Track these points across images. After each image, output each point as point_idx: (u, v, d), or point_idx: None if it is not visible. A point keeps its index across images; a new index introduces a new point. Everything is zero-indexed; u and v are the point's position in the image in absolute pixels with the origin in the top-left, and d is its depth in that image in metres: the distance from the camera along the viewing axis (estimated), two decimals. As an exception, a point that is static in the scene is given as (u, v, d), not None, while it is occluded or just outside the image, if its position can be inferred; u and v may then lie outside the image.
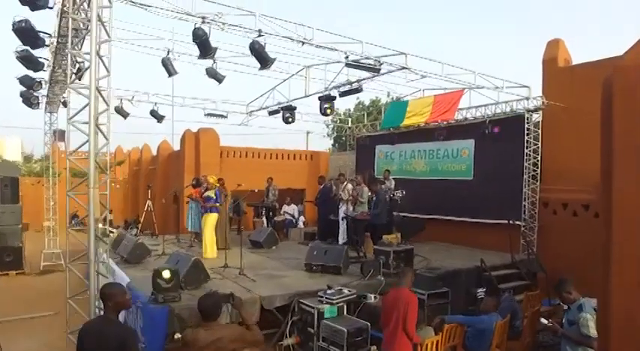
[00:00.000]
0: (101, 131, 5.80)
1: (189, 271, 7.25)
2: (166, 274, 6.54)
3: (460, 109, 12.72)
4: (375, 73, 9.08)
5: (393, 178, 13.70)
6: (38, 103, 12.50)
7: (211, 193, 10.19)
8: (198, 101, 14.55)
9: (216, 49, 7.50)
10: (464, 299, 8.44)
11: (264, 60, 7.59)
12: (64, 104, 12.28)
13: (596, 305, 7.54)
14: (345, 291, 7.17)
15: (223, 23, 6.92)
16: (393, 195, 12.88)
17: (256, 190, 12.57)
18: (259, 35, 7.30)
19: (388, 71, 9.45)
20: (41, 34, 6.97)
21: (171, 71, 10.24)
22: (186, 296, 6.85)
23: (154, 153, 21.44)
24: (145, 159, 22.85)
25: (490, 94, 11.65)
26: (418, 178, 14.03)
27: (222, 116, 14.96)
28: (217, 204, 10.13)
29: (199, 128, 16.56)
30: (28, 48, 7.97)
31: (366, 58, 8.69)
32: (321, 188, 13.42)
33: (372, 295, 7.67)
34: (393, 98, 14.70)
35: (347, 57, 8.26)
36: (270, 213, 14.93)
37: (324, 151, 21.25)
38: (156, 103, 13.74)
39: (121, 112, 13.37)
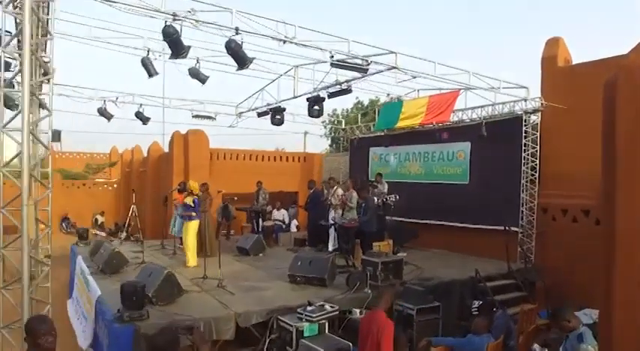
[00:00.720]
0: (39, 140, 5.28)
1: (161, 285, 6.78)
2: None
3: (456, 110, 12.24)
4: (363, 74, 8.59)
5: (387, 182, 13.22)
6: (17, 104, 12.00)
7: (189, 201, 9.69)
8: (186, 102, 14.08)
9: (189, 47, 7.02)
10: (457, 313, 7.95)
11: (241, 60, 7.11)
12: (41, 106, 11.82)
13: (597, 317, 7.07)
14: (327, 307, 6.70)
15: (197, 21, 6.45)
16: (386, 199, 12.41)
17: (235, 199, 12.08)
18: (236, 33, 6.82)
19: (377, 71, 8.98)
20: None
21: (151, 72, 9.75)
22: (156, 313, 6.39)
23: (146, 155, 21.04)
24: (137, 160, 22.41)
25: (487, 95, 11.17)
26: (413, 182, 13.55)
27: (210, 118, 14.48)
28: (193, 213, 9.63)
29: (188, 130, 16.11)
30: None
31: (354, 58, 8.21)
32: (310, 193, 12.95)
33: (358, 310, 7.22)
34: (393, 99, 14.21)
35: (332, 56, 7.78)
36: (261, 218, 14.48)
37: (318, 153, 20.75)
38: (141, 105, 13.25)
39: (104, 113, 12.89)
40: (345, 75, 10.14)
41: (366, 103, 31.08)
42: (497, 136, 11.10)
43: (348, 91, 10.26)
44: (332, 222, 11.02)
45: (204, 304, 6.97)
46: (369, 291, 7.63)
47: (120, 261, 9.07)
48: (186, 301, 7.04)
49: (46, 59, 7.33)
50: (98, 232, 18.35)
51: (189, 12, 6.30)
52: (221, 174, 16.35)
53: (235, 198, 11.78)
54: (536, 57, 11.03)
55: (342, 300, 7.37)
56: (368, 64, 8.19)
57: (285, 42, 7.32)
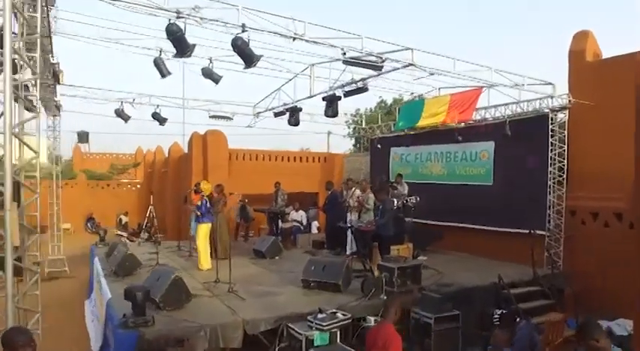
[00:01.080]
0: (23, 142, 5.13)
1: (168, 289, 6.62)
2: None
3: (478, 108, 11.78)
4: (378, 71, 8.25)
5: (408, 183, 12.85)
6: (36, 106, 12.07)
7: (199, 202, 9.55)
8: (204, 103, 13.95)
9: (194, 46, 6.83)
10: (477, 322, 7.54)
11: (248, 58, 6.89)
12: (57, 107, 11.89)
13: (632, 328, 6.59)
14: (339, 315, 6.41)
15: (201, 18, 6.25)
16: (407, 201, 12.05)
17: (246, 200, 11.87)
18: (242, 31, 6.60)
19: (393, 69, 8.62)
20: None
21: (164, 72, 9.59)
22: (163, 319, 6.22)
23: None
24: (158, 161, 22.54)
25: (511, 93, 10.67)
26: (434, 183, 13.13)
27: (227, 118, 14.33)
28: (198, 213, 9.47)
29: (207, 130, 16.02)
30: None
31: (367, 55, 7.89)
32: (329, 194, 12.68)
33: (373, 318, 6.90)
34: (415, 97, 13.81)
35: (344, 53, 7.47)
36: (280, 219, 14.27)
37: (339, 154, 20.43)
38: (158, 106, 13.19)
39: (121, 115, 12.87)
40: (360, 73, 9.81)
41: (389, 102, 30.62)
42: (522, 136, 10.61)
43: (364, 89, 9.93)
44: (349, 224, 10.71)
45: (212, 310, 6.78)
46: (385, 297, 7.31)
47: (133, 263, 8.98)
48: (194, 306, 6.86)
49: (53, 60, 7.25)
50: (120, 233, 18.44)
51: (194, 9, 6.10)
52: (240, 174, 16.25)
53: (246, 200, 11.55)
54: (562, 53, 10.50)
55: (356, 307, 7.08)
56: (382, 62, 7.85)
57: (294, 39, 7.05)
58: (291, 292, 7.93)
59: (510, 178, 10.94)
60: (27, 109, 6.99)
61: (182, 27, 6.32)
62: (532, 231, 9.49)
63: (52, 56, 7.39)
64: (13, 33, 5.56)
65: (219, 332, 6.05)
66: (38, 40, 5.01)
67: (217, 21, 6.38)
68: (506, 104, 11.08)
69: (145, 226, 17.88)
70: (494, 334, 5.36)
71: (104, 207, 23.40)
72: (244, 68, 7.20)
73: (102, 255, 10.55)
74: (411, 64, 8.19)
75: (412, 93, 13.98)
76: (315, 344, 5.99)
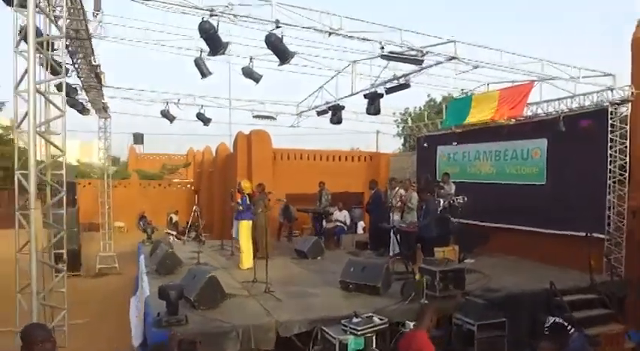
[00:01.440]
0: (47, 140, 5.17)
1: (203, 289, 6.59)
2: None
3: (530, 103, 11.14)
4: (419, 65, 7.91)
5: (456, 182, 12.35)
6: (88, 109, 12.55)
7: (239, 199, 9.55)
8: (248, 103, 14.02)
9: (227, 44, 6.78)
10: (526, 331, 7.07)
11: (282, 54, 6.76)
12: (104, 109, 12.25)
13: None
14: (376, 319, 6.16)
15: (235, 15, 6.18)
16: (453, 201, 11.59)
17: (283, 200, 11.75)
18: (276, 27, 6.47)
19: (436, 63, 8.25)
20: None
21: (204, 72, 9.68)
22: (196, 318, 6.20)
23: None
24: (207, 161, 22.96)
25: (565, 86, 10.01)
26: (483, 182, 12.54)
27: (271, 118, 14.34)
28: (240, 207, 9.44)
29: (251, 130, 16.11)
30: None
31: (407, 49, 7.57)
32: (372, 193, 12.39)
33: (412, 323, 6.57)
34: (466, 94, 13.26)
35: (382, 47, 7.19)
36: (324, 219, 14.11)
37: (385, 153, 20.03)
38: (202, 106, 13.37)
39: (167, 115, 13.13)
40: (402, 69, 9.51)
41: (439, 100, 29.82)
42: (578, 132, 9.91)
43: (406, 85, 9.59)
44: (392, 225, 10.39)
45: (247, 310, 6.70)
46: (426, 302, 6.98)
47: (174, 262, 9.07)
48: (229, 306, 6.80)
49: (94, 63, 7.40)
50: (169, 231, 18.91)
51: (227, 7, 6.03)
52: (284, 174, 16.25)
53: (284, 200, 11.44)
54: (624, 41, 9.72)
55: (394, 311, 6.80)
56: (423, 55, 7.52)
57: (330, 34, 6.86)
58: (329, 293, 7.74)
59: (565, 176, 10.25)
60: (53, 73, 7.03)
61: (215, 25, 6.27)
62: (589, 234, 8.83)
63: (94, 59, 7.55)
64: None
65: (252, 333, 5.95)
66: (62, 41, 5.04)
67: (250, 17, 6.28)
68: (560, 99, 10.42)
69: (192, 225, 18.28)
70: (541, 346, 4.92)
71: (156, 206, 24.05)
72: (279, 65, 7.09)
73: (147, 253, 10.77)
74: (454, 58, 7.80)
75: (462, 89, 13.43)
76: (349, 349, 5.78)
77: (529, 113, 11.14)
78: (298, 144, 18.42)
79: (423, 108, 30.12)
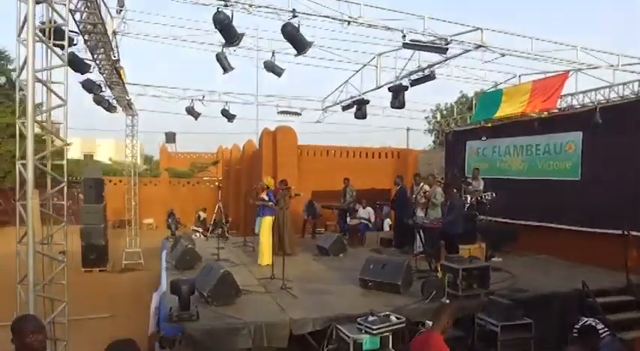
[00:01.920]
0: (50, 131, 5.10)
1: (217, 284, 6.47)
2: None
3: (564, 95, 10.62)
4: (443, 54, 7.57)
5: (485, 178, 11.93)
6: (115, 107, 12.69)
7: (264, 195, 9.42)
8: (270, 99, 13.93)
9: (242, 35, 6.63)
10: (555, 334, 6.66)
11: (299, 44, 6.57)
12: (129, 106, 12.33)
13: None
14: (393, 318, 5.90)
15: (250, 5, 6.03)
16: (481, 197, 11.19)
17: (300, 194, 11.56)
18: (293, 16, 6.29)
19: (463, 51, 7.89)
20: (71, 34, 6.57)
21: (226, 67, 9.61)
22: (209, 314, 6.09)
23: (244, 153, 21.47)
24: (235, 159, 23.05)
25: (602, 75, 9.47)
26: (514, 178, 12.03)
27: (296, 114, 14.20)
28: (269, 203, 9.30)
29: (277, 126, 16.02)
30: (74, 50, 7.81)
31: (433, 37, 7.26)
32: (397, 189, 12.07)
33: (431, 322, 6.31)
34: (499, 87, 12.76)
35: (404, 36, 6.90)
36: (348, 216, 13.89)
37: (413, 149, 19.62)
38: (227, 102, 13.35)
39: (192, 112, 13.17)
40: (427, 61, 9.18)
41: (470, 95, 29.09)
42: (616, 124, 9.34)
43: (431, 77, 9.25)
44: (415, 221, 10.06)
45: (261, 307, 6.54)
46: (448, 301, 6.67)
47: (193, 257, 9.02)
48: (244, 302, 6.66)
49: (114, 58, 7.38)
50: (196, 228, 19.04)
51: (242, -4, 5.89)
52: (310, 171, 16.11)
53: (301, 193, 11.25)
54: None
55: (414, 310, 6.53)
56: (447, 43, 7.19)
57: (349, 23, 6.63)
58: (348, 291, 7.51)
59: (601, 172, 9.68)
60: (72, 67, 7.00)
61: (229, 15, 6.13)
62: (626, 232, 8.29)
63: (113, 54, 7.54)
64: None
65: (264, 330, 5.78)
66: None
67: (267, 7, 6.12)
68: (597, 89, 9.89)
69: (218, 222, 18.34)
70: (569, 350, 4.57)
71: (185, 204, 24.33)
72: (296, 55, 6.91)
73: (169, 249, 10.80)
74: (481, 46, 7.44)
75: (495, 82, 12.88)
76: (365, 348, 5.55)
77: (563, 105, 10.63)
78: (329, 142, 18.35)
79: (454, 104, 29.48)
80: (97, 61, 7.94)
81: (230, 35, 6.41)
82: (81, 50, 7.95)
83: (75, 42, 6.60)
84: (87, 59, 7.96)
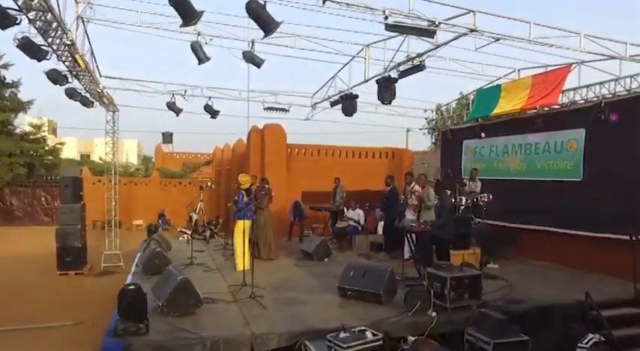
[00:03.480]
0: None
1: (173, 293, 5.75)
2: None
3: (566, 90, 9.92)
4: (430, 38, 6.85)
5: (482, 179, 11.21)
6: (92, 101, 12.01)
7: (236, 197, 8.72)
8: (257, 94, 13.24)
9: (202, 12, 5.92)
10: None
11: (265, 24, 5.87)
12: (102, 99, 11.63)
13: None
14: (369, 334, 5.18)
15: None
16: (477, 199, 10.48)
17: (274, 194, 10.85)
18: (259, -9, 5.61)
19: (455, 37, 7.15)
20: (11, 12, 5.88)
21: (202, 58, 8.96)
22: (161, 326, 5.38)
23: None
24: (226, 158, 22.36)
25: (608, 68, 8.76)
26: (512, 179, 11.31)
27: (283, 110, 13.50)
28: (235, 209, 8.59)
29: (265, 124, 15.31)
30: (27, 34, 7.12)
31: (420, 19, 6.55)
32: (388, 191, 11.35)
33: (413, 338, 5.59)
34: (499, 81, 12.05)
35: (386, 17, 6.19)
36: (337, 218, 13.17)
37: (408, 149, 18.88)
38: (210, 98, 12.66)
39: (173, 108, 12.49)
40: (415, 50, 8.49)
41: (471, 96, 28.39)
42: (622, 120, 8.62)
43: (420, 67, 8.53)
44: (403, 224, 9.34)
45: (223, 319, 5.83)
46: (434, 314, 5.95)
47: (162, 261, 8.30)
48: (205, 313, 5.95)
49: (68, 42, 6.69)
50: (183, 229, 18.36)
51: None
52: (299, 171, 15.40)
53: (274, 194, 10.53)
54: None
55: (395, 324, 5.82)
56: (436, 26, 6.47)
57: (324, 2, 5.92)
58: (324, 301, 6.79)
59: (605, 172, 8.93)
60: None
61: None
62: (634, 236, 7.54)
63: (67, 37, 6.83)
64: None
65: (221, 347, 5.08)
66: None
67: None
68: (601, 82, 9.18)
69: (209, 223, 17.66)
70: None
71: (176, 204, 23.62)
72: (263, 38, 6.21)
73: (141, 251, 10.12)
74: (473, 30, 6.72)
75: (499, 77, 12.04)
76: (334, 369, 4.84)
77: (565, 100, 9.91)
78: (325, 142, 17.66)
79: (454, 104, 28.78)
80: (54, 47, 7.23)
81: (186, 12, 5.70)
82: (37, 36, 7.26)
83: (17, 21, 5.89)
84: (42, 45, 7.26)
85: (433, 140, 32.57)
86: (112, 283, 12.61)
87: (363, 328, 5.30)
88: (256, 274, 7.15)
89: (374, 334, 5.21)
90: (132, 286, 5.39)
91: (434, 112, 25.55)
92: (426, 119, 26.40)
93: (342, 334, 5.04)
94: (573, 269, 8.89)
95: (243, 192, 8.83)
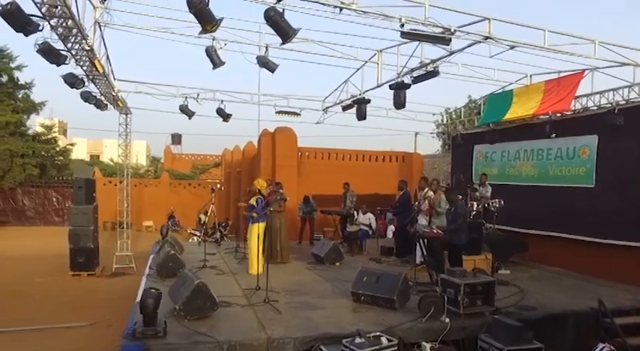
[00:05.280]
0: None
1: (190, 297, 5.83)
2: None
3: (579, 96, 9.91)
4: (446, 45, 6.89)
5: (493, 184, 11.22)
6: (106, 104, 12.15)
7: (252, 201, 8.77)
8: (269, 98, 13.32)
9: (221, 19, 6.00)
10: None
11: (283, 31, 5.94)
12: (117, 102, 11.77)
13: None
14: (384, 340, 5.23)
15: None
16: (488, 204, 10.48)
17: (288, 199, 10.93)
18: (278, 1, 5.67)
19: (470, 44, 7.20)
20: (34, 19, 6.01)
21: (216, 62, 9.07)
22: (178, 330, 5.46)
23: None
24: (236, 161, 22.47)
25: (621, 74, 8.76)
26: (524, 185, 11.30)
27: (295, 114, 13.57)
28: (254, 214, 8.63)
29: (276, 127, 15.40)
30: (48, 40, 7.25)
31: (435, 27, 6.59)
32: (400, 195, 11.38)
33: (429, 345, 5.63)
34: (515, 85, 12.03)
35: (402, 25, 6.24)
36: (347, 222, 13.21)
37: (418, 153, 18.88)
38: (222, 101, 12.76)
39: (185, 111, 12.60)
40: (431, 57, 8.54)
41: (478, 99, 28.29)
42: (636, 126, 8.61)
43: (434, 73, 8.58)
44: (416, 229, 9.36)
45: (239, 323, 5.89)
46: (448, 320, 5.98)
47: (176, 264, 8.38)
48: (221, 317, 6.03)
49: (87, 47, 6.80)
50: (192, 231, 18.48)
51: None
52: (310, 174, 15.45)
53: (288, 198, 10.60)
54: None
55: (410, 330, 5.85)
56: (452, 34, 6.51)
57: (341, 10, 5.98)
58: (338, 306, 6.84)
59: (618, 179, 8.92)
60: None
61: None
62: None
63: (87, 43, 6.93)
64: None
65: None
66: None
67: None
68: (615, 89, 9.16)
69: (219, 225, 17.74)
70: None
71: (186, 206, 23.80)
72: (281, 44, 6.27)
73: (156, 253, 10.21)
74: (488, 38, 6.76)
75: (511, 83, 12.01)
76: (349, 374, 4.88)
77: (577, 106, 9.90)
78: (332, 147, 17.67)
79: (463, 109, 28.66)
80: (73, 52, 7.35)
81: (205, 19, 5.78)
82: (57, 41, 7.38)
83: (40, 28, 6.00)
84: (62, 50, 7.38)
85: (441, 144, 32.56)
86: (125, 284, 12.74)
87: (378, 333, 5.34)
88: (269, 278, 7.21)
89: (389, 340, 5.26)
90: (153, 290, 5.45)
91: (444, 116, 25.60)
92: (435, 123, 26.40)
93: (357, 340, 5.09)
94: (585, 276, 8.88)
95: (262, 196, 8.90)
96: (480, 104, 26.84)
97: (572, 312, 6.68)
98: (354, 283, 7.07)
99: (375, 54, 10.42)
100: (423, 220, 9.69)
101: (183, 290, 5.99)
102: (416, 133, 25.21)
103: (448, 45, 6.74)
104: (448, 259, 8.34)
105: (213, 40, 9.03)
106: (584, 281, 8.64)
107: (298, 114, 13.64)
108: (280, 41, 6.89)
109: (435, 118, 22.85)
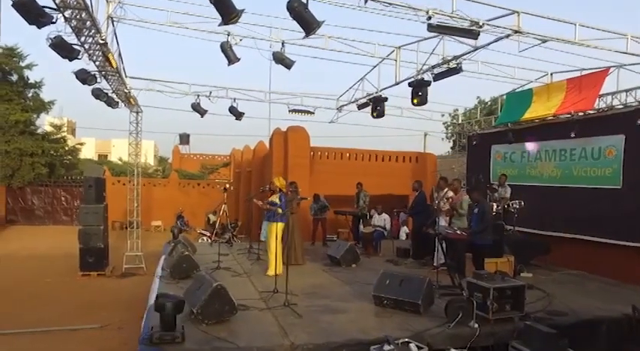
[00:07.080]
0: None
1: (208, 300, 5.59)
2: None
3: (603, 94, 9.61)
4: (474, 40, 6.64)
5: (512, 185, 10.93)
6: (117, 102, 11.97)
7: (275, 198, 8.55)
8: (282, 96, 13.11)
9: (242, 11, 5.78)
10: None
11: (307, 24, 5.71)
12: (129, 99, 11.58)
13: None
14: (413, 347, 4.97)
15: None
16: (508, 206, 10.20)
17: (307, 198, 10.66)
18: (302, -8, 5.46)
19: (497, 38, 6.93)
20: (47, 10, 5.82)
21: (231, 58, 8.85)
22: (197, 335, 5.22)
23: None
24: (245, 161, 22.29)
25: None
26: (545, 185, 11.01)
27: (308, 112, 13.35)
28: (279, 210, 8.39)
29: (288, 126, 15.16)
30: (60, 34, 7.07)
31: (463, 20, 6.33)
32: (416, 195, 11.11)
33: (457, 351, 5.37)
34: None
35: (429, 17, 6.00)
36: (361, 223, 12.95)
37: (432, 153, 18.60)
38: (235, 99, 12.56)
39: (197, 109, 12.41)
40: (451, 52, 8.29)
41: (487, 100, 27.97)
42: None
43: (457, 70, 8.33)
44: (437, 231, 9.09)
45: (259, 327, 5.65)
46: (477, 325, 5.71)
47: (189, 265, 8.15)
48: (239, 321, 5.78)
49: (101, 41, 6.60)
50: (202, 232, 18.28)
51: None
52: (322, 174, 15.21)
53: (307, 197, 10.36)
54: None
55: (437, 336, 5.58)
56: (480, 27, 6.26)
57: (366, 1, 5.74)
58: (360, 310, 6.58)
59: (646, 180, 8.65)
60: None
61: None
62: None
63: (101, 36, 6.74)
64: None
65: (260, 357, 4.91)
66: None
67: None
68: (642, 87, 8.86)
69: (224, 225, 17.54)
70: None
71: (195, 206, 23.64)
72: (304, 37, 6.05)
73: (167, 254, 9.99)
74: (517, 32, 6.50)
75: (530, 81, 11.66)
76: (379, 384, 4.64)
77: (602, 105, 9.59)
78: (341, 146, 17.45)
79: (472, 109, 28.35)
80: (86, 46, 7.15)
81: (226, 10, 5.56)
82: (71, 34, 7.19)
83: (54, 19, 5.81)
84: (75, 44, 7.19)
85: (451, 145, 32.17)
86: (135, 285, 12.57)
87: (406, 339, 5.10)
88: (288, 280, 6.98)
89: (418, 347, 5.01)
90: (171, 294, 5.23)
91: (459, 116, 25.29)
92: (444, 124, 26.05)
93: (386, 347, 4.84)
94: (610, 279, 8.59)
95: (284, 193, 8.69)
96: (491, 105, 26.56)
97: (605, 318, 6.39)
98: (375, 286, 6.81)
99: (393, 51, 10.17)
100: (442, 221, 9.42)
101: (200, 293, 5.76)
102: (425, 134, 24.97)
103: (476, 39, 6.49)
104: (472, 261, 8.07)
105: (229, 35, 8.83)
106: (609, 285, 8.36)
107: (312, 112, 13.42)
108: (294, 37, 6.69)
109: (444, 119, 22.61)
